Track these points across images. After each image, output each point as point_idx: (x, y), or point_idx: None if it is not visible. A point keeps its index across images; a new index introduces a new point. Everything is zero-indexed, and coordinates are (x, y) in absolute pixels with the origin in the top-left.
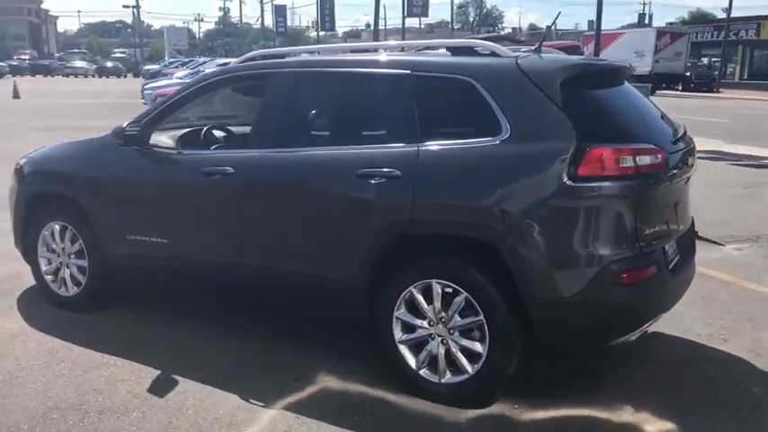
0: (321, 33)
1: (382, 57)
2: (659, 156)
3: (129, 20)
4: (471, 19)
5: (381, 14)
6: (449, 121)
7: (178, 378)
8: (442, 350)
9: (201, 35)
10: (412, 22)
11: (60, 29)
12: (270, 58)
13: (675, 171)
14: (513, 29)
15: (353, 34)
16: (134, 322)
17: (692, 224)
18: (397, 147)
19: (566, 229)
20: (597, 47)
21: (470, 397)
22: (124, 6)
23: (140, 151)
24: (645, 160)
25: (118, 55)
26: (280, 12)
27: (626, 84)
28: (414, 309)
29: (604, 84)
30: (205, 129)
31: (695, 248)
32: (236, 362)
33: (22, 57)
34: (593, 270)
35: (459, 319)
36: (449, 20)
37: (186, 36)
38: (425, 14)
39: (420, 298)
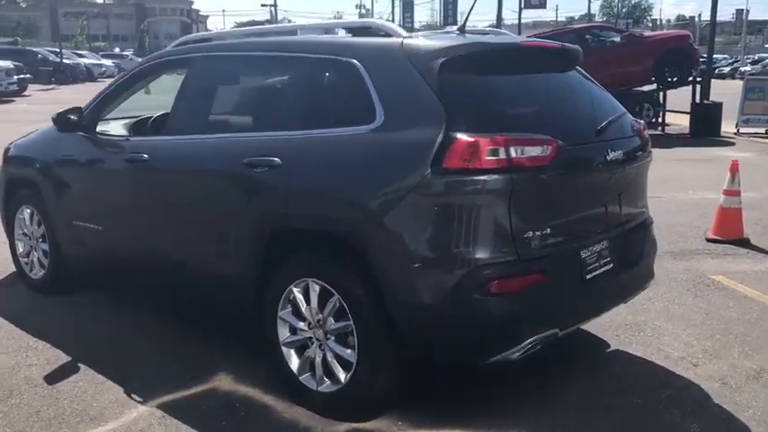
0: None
1: (271, 40)
2: (547, 147)
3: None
4: (617, 11)
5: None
6: (332, 106)
7: (81, 367)
8: (319, 356)
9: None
10: (543, 14)
11: (212, 28)
12: (200, 41)
13: (588, 165)
14: (654, 20)
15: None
16: (84, 308)
17: (644, 225)
18: (281, 134)
19: (428, 228)
20: (712, 40)
21: (343, 409)
22: (262, 5)
23: (84, 137)
24: (525, 152)
25: None
26: (407, 7)
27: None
28: (298, 309)
29: (515, 67)
30: (155, 116)
31: (648, 252)
32: (145, 354)
33: None
34: (457, 276)
35: (333, 322)
36: (590, 13)
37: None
38: (543, 6)
39: (300, 298)
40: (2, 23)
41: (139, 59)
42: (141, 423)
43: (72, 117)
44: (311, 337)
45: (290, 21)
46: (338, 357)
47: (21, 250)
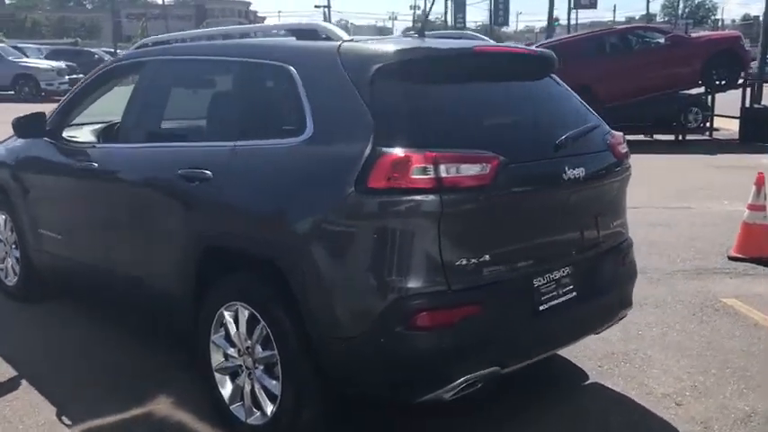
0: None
1: (214, 43)
2: (487, 165)
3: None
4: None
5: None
6: (265, 115)
7: (23, 385)
8: (248, 385)
9: (399, 33)
10: (600, 15)
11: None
12: (158, 44)
13: (541, 185)
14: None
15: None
16: (51, 319)
17: (619, 248)
18: (215, 145)
19: (351, 254)
20: (765, 41)
21: None
22: (315, 6)
23: (48, 143)
24: (459, 170)
25: None
26: (459, 8)
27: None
28: (229, 334)
29: (463, 75)
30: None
31: (623, 278)
32: (97, 373)
33: None
34: (380, 307)
35: (260, 350)
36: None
37: (373, 35)
38: (594, 6)
39: (230, 322)
40: (67, 25)
41: None
42: None
43: (32, 123)
44: (241, 365)
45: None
46: (265, 389)
47: None
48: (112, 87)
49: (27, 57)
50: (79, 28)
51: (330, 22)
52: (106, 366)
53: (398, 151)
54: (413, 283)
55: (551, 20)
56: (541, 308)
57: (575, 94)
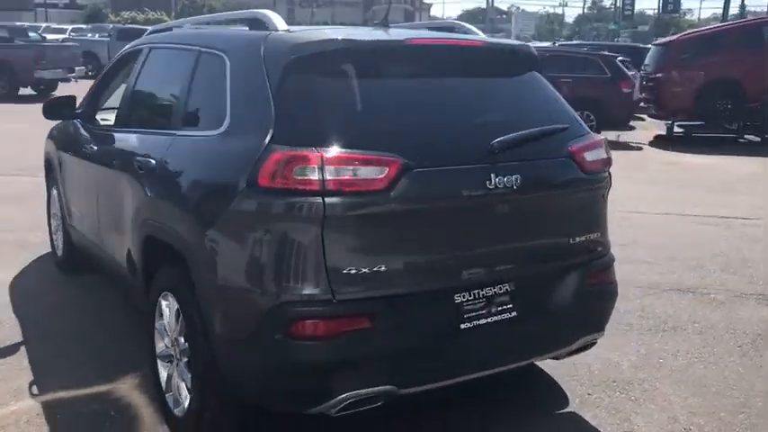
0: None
1: (181, 32)
2: (384, 168)
3: (500, 6)
4: None
5: None
6: (203, 105)
7: (20, 350)
8: (175, 376)
9: (571, 20)
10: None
11: (436, 15)
12: (160, 31)
13: (459, 192)
14: None
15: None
16: (86, 291)
17: (585, 267)
18: (163, 132)
19: (239, 254)
20: None
21: None
22: None
23: (78, 124)
24: (348, 173)
25: None
26: None
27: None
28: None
29: (391, 69)
30: None
31: (589, 301)
32: (94, 345)
33: None
34: (261, 312)
35: (182, 342)
36: None
37: (534, 21)
38: None
39: (165, 311)
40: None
41: None
42: (11, 417)
43: (62, 106)
44: (173, 355)
45: (518, 8)
46: (185, 382)
47: (52, 228)
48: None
49: None
50: None
51: (492, 6)
52: (109, 340)
53: (286, 149)
54: (293, 290)
55: (727, 9)
56: (463, 326)
57: (549, 92)
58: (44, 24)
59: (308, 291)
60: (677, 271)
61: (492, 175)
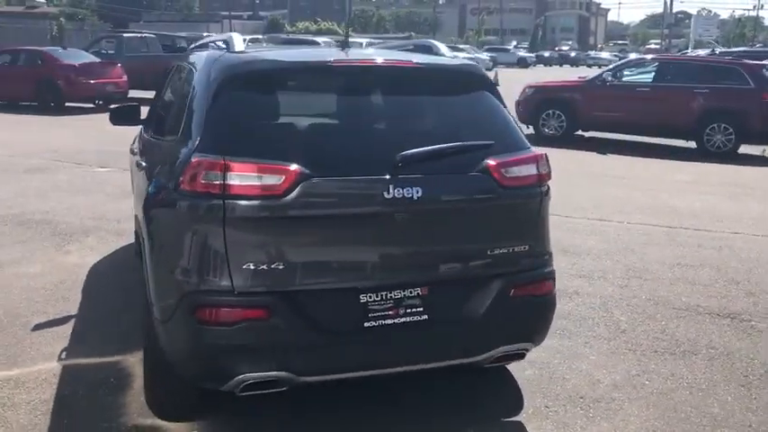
0: None
1: (200, 51)
2: (281, 176)
3: (689, 10)
4: None
5: None
6: (177, 114)
7: (71, 321)
8: None
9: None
10: None
11: (624, 20)
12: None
13: (357, 200)
14: None
15: None
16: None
17: (506, 278)
18: (153, 137)
19: (165, 246)
20: None
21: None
22: None
23: (141, 132)
24: (247, 179)
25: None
26: None
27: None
28: None
29: (311, 87)
30: None
31: (510, 312)
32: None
33: (563, 48)
34: (176, 298)
35: None
36: None
37: (715, 25)
38: None
39: None
40: (414, 19)
41: (521, 52)
42: (33, 375)
43: (126, 113)
44: None
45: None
46: None
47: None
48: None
49: None
50: (422, 23)
51: (671, 11)
52: (132, 327)
53: (201, 157)
54: (201, 281)
55: None
56: (368, 324)
57: (492, 110)
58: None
59: (213, 282)
60: (730, 296)
61: (390, 187)
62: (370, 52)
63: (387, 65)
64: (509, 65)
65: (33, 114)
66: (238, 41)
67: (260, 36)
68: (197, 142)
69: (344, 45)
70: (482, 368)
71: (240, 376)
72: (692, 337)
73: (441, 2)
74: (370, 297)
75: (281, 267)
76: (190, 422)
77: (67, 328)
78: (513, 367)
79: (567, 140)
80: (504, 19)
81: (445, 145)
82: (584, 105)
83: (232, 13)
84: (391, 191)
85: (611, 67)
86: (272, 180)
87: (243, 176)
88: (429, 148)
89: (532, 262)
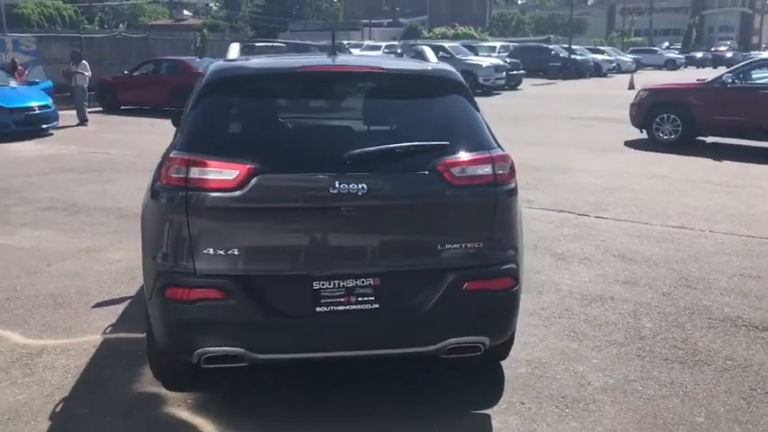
0: None
1: None
2: (235, 171)
3: None
4: None
5: None
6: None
7: (129, 300)
8: None
9: None
10: None
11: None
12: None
13: (305, 195)
14: None
15: None
16: None
17: (459, 273)
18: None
19: (148, 231)
20: None
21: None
22: None
23: None
24: (206, 174)
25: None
26: None
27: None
28: None
29: (278, 92)
30: None
31: (461, 305)
32: None
33: (719, 49)
34: (152, 277)
35: None
36: None
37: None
38: None
39: None
40: (555, 22)
41: (670, 54)
42: (76, 344)
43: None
44: None
45: None
46: None
47: None
48: None
49: (476, 55)
50: (565, 25)
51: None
52: None
53: (176, 154)
54: (169, 263)
55: None
56: (319, 309)
57: (459, 113)
58: (366, 42)
59: (179, 264)
60: None
61: (336, 182)
62: (345, 59)
63: (351, 71)
64: (657, 67)
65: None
66: (233, 51)
67: (257, 43)
68: (178, 142)
69: (333, 52)
70: (469, 363)
71: (200, 349)
72: (713, 348)
73: (590, 3)
74: (323, 284)
75: (236, 253)
76: (187, 393)
77: (121, 308)
78: (506, 364)
79: (685, 145)
80: (656, 19)
81: (393, 145)
82: (702, 109)
83: (372, 21)
84: (337, 186)
85: (733, 68)
86: (226, 175)
87: (202, 171)
88: (376, 147)
89: (488, 258)
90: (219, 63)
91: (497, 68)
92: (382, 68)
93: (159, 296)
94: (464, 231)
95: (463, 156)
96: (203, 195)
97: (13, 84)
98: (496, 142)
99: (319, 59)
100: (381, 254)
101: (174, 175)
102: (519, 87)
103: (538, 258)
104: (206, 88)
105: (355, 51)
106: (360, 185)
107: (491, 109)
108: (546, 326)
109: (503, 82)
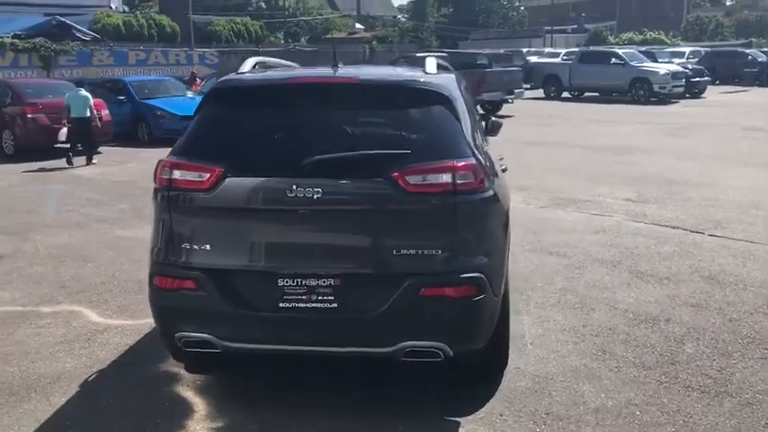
0: None
1: None
2: (205, 174)
3: None
4: None
5: None
6: None
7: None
8: None
9: None
10: None
11: None
12: None
13: (266, 198)
14: None
15: None
16: None
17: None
18: None
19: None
20: None
21: None
22: None
23: None
24: (183, 176)
25: None
26: None
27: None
28: None
29: (266, 102)
30: None
31: (415, 310)
32: None
33: None
34: (149, 267)
35: None
36: None
37: None
38: None
39: None
40: (765, 23)
41: None
42: (133, 327)
43: None
44: None
45: None
46: None
47: None
48: None
49: (653, 61)
50: (754, 25)
51: None
52: None
53: (166, 158)
54: (159, 255)
55: None
56: (282, 305)
57: (435, 123)
58: (546, 49)
59: (164, 256)
60: None
61: (294, 186)
62: (333, 71)
63: (328, 82)
64: None
65: None
66: (246, 65)
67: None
68: (174, 147)
69: (334, 65)
70: (469, 371)
71: (179, 333)
72: (749, 381)
73: None
74: (287, 282)
75: (208, 249)
76: (198, 375)
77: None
78: (509, 376)
79: None
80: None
81: (350, 153)
82: None
83: (554, 28)
84: (294, 190)
85: None
86: (200, 177)
87: (182, 174)
88: (333, 155)
89: (448, 265)
90: (224, 76)
91: (675, 75)
92: (359, 80)
93: (151, 284)
94: (421, 238)
95: (422, 164)
96: (182, 195)
97: (189, 94)
98: (472, 152)
99: (307, 72)
100: (340, 256)
101: (163, 177)
102: (702, 96)
103: (612, 276)
104: (203, 99)
105: (532, 59)
106: (315, 190)
107: (662, 118)
108: (576, 342)
109: (682, 89)
